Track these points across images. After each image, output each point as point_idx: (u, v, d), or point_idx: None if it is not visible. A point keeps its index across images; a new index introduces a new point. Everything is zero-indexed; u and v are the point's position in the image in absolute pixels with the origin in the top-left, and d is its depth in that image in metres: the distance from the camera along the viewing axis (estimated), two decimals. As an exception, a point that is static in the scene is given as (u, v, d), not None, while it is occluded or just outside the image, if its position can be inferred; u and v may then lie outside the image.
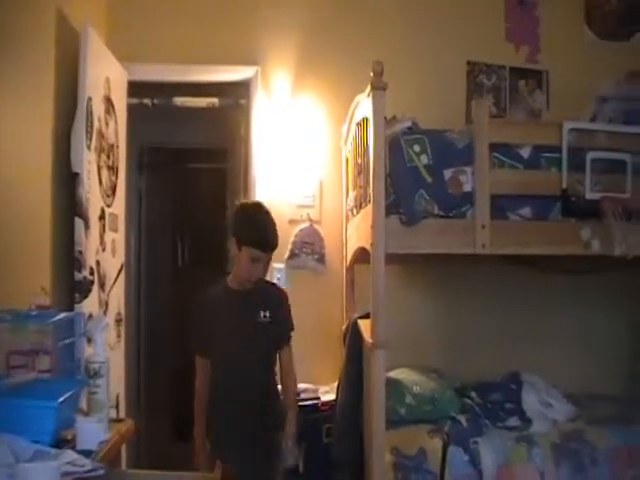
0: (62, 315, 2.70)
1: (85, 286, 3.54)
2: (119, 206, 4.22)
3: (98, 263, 3.74)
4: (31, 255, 3.21)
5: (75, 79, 3.54)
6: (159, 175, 6.48)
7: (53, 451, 2.05)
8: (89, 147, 3.61)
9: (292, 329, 3.39)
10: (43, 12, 3.37)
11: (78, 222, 3.49)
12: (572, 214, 3.27)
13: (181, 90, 5.21)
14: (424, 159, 3.20)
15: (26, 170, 3.14)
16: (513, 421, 3.77)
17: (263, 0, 4.70)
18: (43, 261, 3.36)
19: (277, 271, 4.38)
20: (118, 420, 2.89)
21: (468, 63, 4.75)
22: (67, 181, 3.51)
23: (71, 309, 3.34)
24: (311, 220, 4.60)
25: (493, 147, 3.25)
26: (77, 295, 3.48)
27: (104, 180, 3.89)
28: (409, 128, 3.48)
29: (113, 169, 4.08)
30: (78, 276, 3.49)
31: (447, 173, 3.22)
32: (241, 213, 3.38)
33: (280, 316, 3.32)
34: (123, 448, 2.99)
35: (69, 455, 2.05)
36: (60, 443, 2.18)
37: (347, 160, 4.35)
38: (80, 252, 3.49)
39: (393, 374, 3.87)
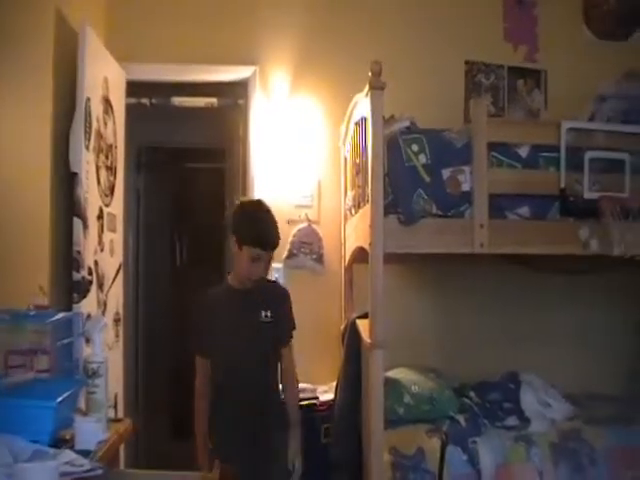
0: (60, 315, 2.70)
1: (83, 286, 3.54)
2: (117, 206, 4.22)
3: (96, 263, 3.74)
4: (29, 255, 3.21)
5: (73, 79, 3.54)
6: (157, 175, 6.48)
7: (52, 451, 2.05)
8: (87, 147, 3.60)
9: (294, 328, 3.34)
10: (42, 12, 3.37)
11: (76, 222, 3.49)
12: (570, 214, 3.28)
13: (179, 90, 5.21)
14: (422, 159, 3.20)
15: (25, 170, 3.14)
16: (511, 421, 3.77)
17: (261, 0, 4.69)
18: (41, 261, 3.36)
19: (275, 271, 4.38)
20: (116, 420, 2.89)
21: (466, 62, 4.76)
22: (65, 181, 3.51)
23: (69, 309, 3.34)
24: (309, 220, 4.60)
25: (491, 146, 3.25)
26: (75, 295, 3.48)
27: (102, 180, 3.89)
28: (407, 128, 3.48)
29: (111, 169, 4.08)
30: (76, 276, 3.48)
31: (445, 172, 3.22)
32: (241, 211, 3.34)
33: (282, 315, 3.28)
34: (121, 448, 2.98)
35: (68, 455, 2.05)
36: (59, 443, 2.18)
37: (345, 160, 4.35)
38: (78, 252, 3.48)
39: (391, 374, 3.87)
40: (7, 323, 2.44)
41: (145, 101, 5.42)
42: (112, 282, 4.06)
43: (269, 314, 3.22)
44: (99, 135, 3.82)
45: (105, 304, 3.93)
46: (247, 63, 4.63)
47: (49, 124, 3.42)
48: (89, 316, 3.44)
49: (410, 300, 4.51)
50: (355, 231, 3.79)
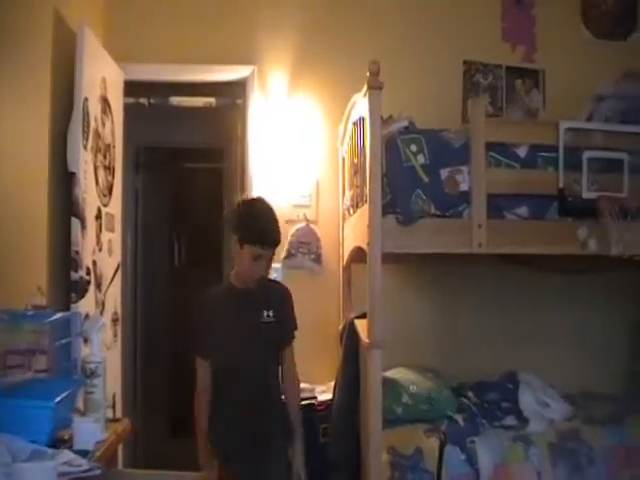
0: (58, 315, 2.70)
1: (81, 286, 3.54)
2: (115, 206, 4.22)
3: (94, 263, 3.74)
4: (28, 255, 3.21)
5: (71, 79, 3.54)
6: (155, 175, 6.47)
7: (50, 451, 2.05)
8: (85, 147, 3.60)
9: (295, 328, 3.30)
10: (40, 12, 3.37)
11: (74, 222, 3.49)
12: (569, 213, 3.28)
13: (177, 90, 5.22)
14: (421, 159, 3.20)
15: (23, 170, 3.14)
16: (510, 420, 3.77)
17: (259, 0, 4.69)
18: (39, 261, 3.36)
19: (274, 271, 4.36)
20: (115, 420, 2.89)
21: (464, 62, 4.75)
22: (63, 181, 3.51)
23: (67, 309, 3.34)
24: (308, 220, 4.60)
25: (489, 146, 3.25)
26: (73, 295, 3.48)
27: (100, 180, 3.89)
28: (405, 128, 3.48)
29: (109, 169, 4.08)
30: (74, 276, 3.48)
31: (444, 172, 3.21)
32: (242, 209, 3.27)
33: (283, 315, 3.23)
34: (120, 448, 2.98)
35: (66, 455, 2.06)
36: (57, 443, 2.18)
37: (343, 160, 4.35)
38: (76, 252, 3.48)
39: (390, 374, 3.87)
40: (5, 323, 2.44)
41: (143, 101, 5.43)
42: (110, 282, 4.06)
43: (271, 314, 3.17)
44: (97, 135, 3.82)
45: (103, 304, 3.93)
46: (245, 63, 4.63)
47: (47, 124, 3.42)
48: (87, 316, 3.44)
49: (408, 300, 4.52)
50: (353, 231, 3.79)
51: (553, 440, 3.63)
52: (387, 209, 3.13)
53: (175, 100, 5.50)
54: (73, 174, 3.50)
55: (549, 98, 4.82)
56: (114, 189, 4.17)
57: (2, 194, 2.89)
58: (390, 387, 3.63)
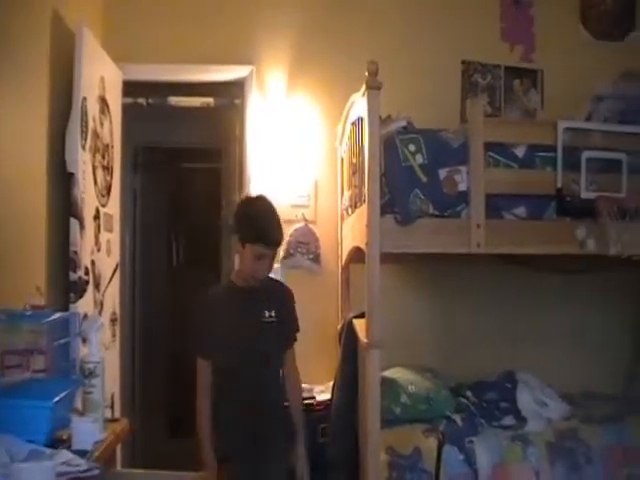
0: (57, 315, 2.70)
1: (80, 286, 3.54)
2: (114, 206, 4.22)
3: (93, 263, 3.74)
4: (26, 255, 3.21)
5: (70, 79, 3.54)
6: (154, 175, 6.47)
7: (48, 451, 2.05)
8: (84, 147, 3.60)
9: (297, 331, 3.27)
10: (39, 12, 3.37)
11: (73, 222, 3.49)
12: (567, 213, 3.28)
13: (176, 90, 5.22)
14: (419, 158, 3.20)
15: (21, 170, 3.14)
16: (508, 420, 3.78)
17: (258, 0, 4.70)
18: (38, 261, 3.36)
19: (272, 271, 4.38)
20: (113, 420, 2.89)
21: (463, 62, 4.75)
22: (62, 181, 3.51)
23: (66, 309, 3.34)
24: (306, 220, 4.60)
25: (488, 146, 3.25)
26: (72, 295, 3.48)
27: (99, 180, 3.89)
28: (404, 127, 3.48)
29: (108, 169, 4.08)
30: (73, 276, 3.48)
31: (442, 172, 3.22)
32: (243, 208, 3.25)
33: (285, 315, 3.20)
34: (118, 448, 2.99)
35: (64, 455, 2.06)
36: (55, 443, 2.18)
37: (342, 160, 4.35)
38: (75, 252, 3.48)
39: (388, 373, 3.87)
40: (3, 323, 2.44)
41: (142, 101, 5.43)
42: (109, 282, 4.06)
43: (273, 314, 3.14)
44: (95, 135, 3.82)
45: (102, 304, 3.93)
46: (243, 63, 4.63)
47: (45, 124, 3.42)
48: (86, 316, 3.44)
49: (407, 300, 4.52)
50: (352, 231, 3.79)
51: (551, 439, 3.63)
52: (385, 209, 3.13)
53: (173, 100, 5.50)
54: (71, 174, 3.50)
55: (547, 98, 4.83)
56: (112, 189, 4.17)
57: (1, 194, 2.89)
58: (388, 387, 3.63)
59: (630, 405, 3.94)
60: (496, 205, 3.25)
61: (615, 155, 3.28)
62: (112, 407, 3.95)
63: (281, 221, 3.18)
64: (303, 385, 3.88)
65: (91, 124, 3.72)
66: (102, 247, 3.93)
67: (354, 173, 3.65)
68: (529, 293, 4.56)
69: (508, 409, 3.84)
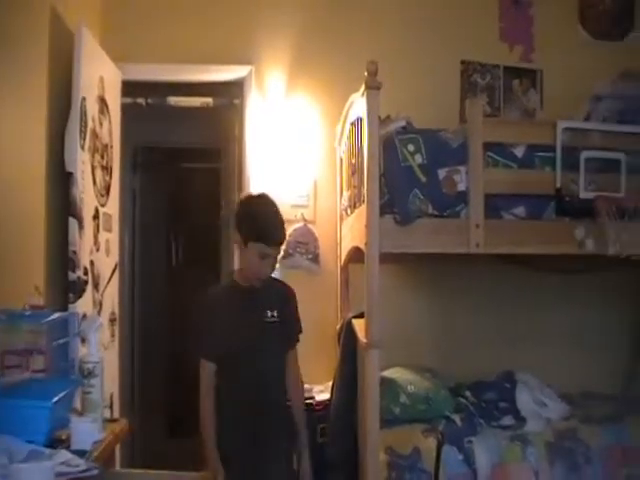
0: (56, 315, 2.70)
1: (79, 286, 3.54)
2: (113, 206, 4.22)
3: (92, 263, 3.74)
4: (25, 255, 3.21)
5: (69, 79, 3.54)
6: (153, 175, 6.48)
7: (47, 451, 2.05)
8: (83, 147, 3.60)
9: (300, 331, 3.25)
10: (38, 12, 3.37)
11: (72, 222, 3.49)
12: (566, 213, 3.28)
13: (175, 90, 5.22)
14: (418, 158, 3.20)
15: (20, 170, 3.14)
16: (507, 420, 3.77)
17: (257, 0, 4.70)
18: (37, 261, 3.36)
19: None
20: (112, 420, 2.89)
21: (462, 62, 4.75)
22: (61, 181, 3.51)
23: (65, 309, 3.34)
24: (305, 220, 4.59)
25: (487, 146, 3.25)
26: (71, 295, 3.48)
27: (98, 180, 3.89)
28: (403, 128, 3.48)
29: (107, 169, 4.08)
30: (72, 276, 3.48)
31: (441, 172, 3.21)
32: (245, 207, 3.20)
33: (288, 315, 3.18)
34: (117, 448, 2.98)
35: (63, 455, 2.06)
36: (54, 443, 2.18)
37: (341, 160, 4.35)
38: (74, 252, 3.48)
39: (387, 373, 3.87)
40: (3, 323, 2.44)
41: (141, 101, 5.43)
42: (108, 282, 4.06)
43: (275, 314, 3.12)
44: (95, 135, 3.82)
45: (101, 304, 3.93)
46: (243, 63, 4.63)
47: (44, 124, 3.42)
48: (85, 316, 3.44)
49: (406, 300, 4.52)
50: (351, 231, 3.79)
51: (550, 439, 3.63)
52: (385, 209, 3.13)
53: (173, 100, 5.51)
54: (70, 174, 3.50)
55: (546, 98, 4.83)
56: (112, 189, 4.17)
57: (0, 194, 2.89)
58: (388, 387, 3.63)
59: (629, 405, 3.94)
60: (495, 205, 3.25)
61: (614, 155, 3.28)
62: (111, 407, 3.95)
63: (284, 220, 3.17)
64: (302, 385, 3.88)
65: (90, 124, 3.72)
66: (101, 247, 3.93)
67: (353, 173, 3.65)
68: (528, 293, 4.56)
69: (507, 409, 3.84)
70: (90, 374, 2.52)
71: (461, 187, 3.22)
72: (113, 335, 4.23)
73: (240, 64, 4.63)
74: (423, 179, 3.19)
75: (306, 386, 4.00)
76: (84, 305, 3.58)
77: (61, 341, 2.68)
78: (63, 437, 2.26)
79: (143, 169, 6.20)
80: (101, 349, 2.97)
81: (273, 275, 3.24)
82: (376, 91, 3.08)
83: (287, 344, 3.22)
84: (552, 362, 4.34)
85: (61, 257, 3.49)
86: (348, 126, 3.86)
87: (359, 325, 3.41)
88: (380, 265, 3.07)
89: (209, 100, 5.41)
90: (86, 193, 3.64)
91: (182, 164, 6.90)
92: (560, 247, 3.31)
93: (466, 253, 3.25)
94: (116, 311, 4.29)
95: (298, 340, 3.26)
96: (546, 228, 3.29)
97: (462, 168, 3.22)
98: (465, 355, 4.41)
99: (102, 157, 3.97)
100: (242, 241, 3.07)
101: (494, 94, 4.81)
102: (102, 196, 3.97)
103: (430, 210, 3.21)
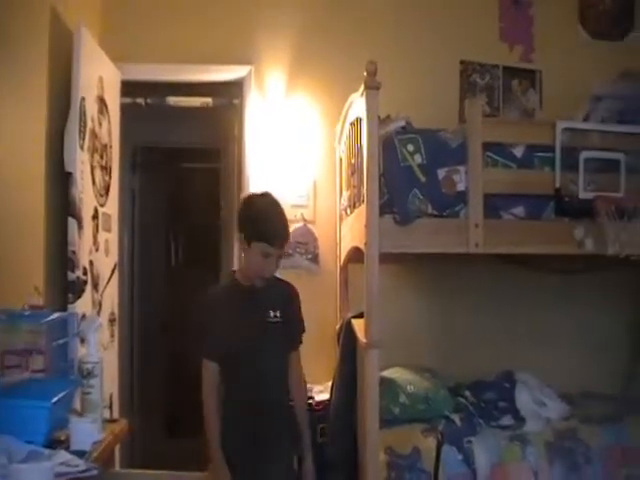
0: (55, 315, 2.70)
1: (78, 286, 3.53)
2: (112, 206, 4.22)
3: (91, 263, 3.74)
4: (24, 255, 3.21)
5: (68, 79, 3.54)
6: (152, 175, 6.48)
7: (47, 451, 2.05)
8: (82, 147, 3.60)
9: (303, 331, 3.24)
10: (37, 12, 3.37)
11: (71, 222, 3.49)
12: (565, 213, 3.28)
13: (174, 90, 5.21)
14: (418, 158, 3.20)
15: (20, 170, 3.13)
16: (507, 420, 3.77)
17: (257, 0, 4.70)
18: (36, 261, 3.36)
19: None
20: (112, 420, 2.89)
21: (461, 62, 4.75)
22: (60, 181, 3.51)
23: (64, 309, 3.34)
24: (305, 220, 4.59)
25: (486, 146, 3.25)
26: (70, 295, 3.48)
27: (97, 180, 3.88)
28: (403, 128, 3.48)
29: (106, 169, 4.08)
30: (71, 276, 3.48)
31: (441, 172, 3.22)
32: (248, 206, 3.17)
33: (291, 315, 3.16)
34: (117, 448, 2.98)
35: (63, 455, 2.06)
36: (54, 443, 2.18)
37: (341, 160, 4.35)
38: (73, 252, 3.48)
39: (387, 373, 3.87)
40: (2, 323, 2.44)
41: (140, 101, 5.42)
42: (107, 282, 4.06)
43: (278, 314, 3.09)
44: (94, 135, 3.82)
45: (100, 304, 3.93)
46: (242, 63, 4.63)
47: (44, 124, 3.42)
48: (84, 316, 3.44)
49: (405, 300, 4.51)
50: (351, 231, 3.79)
51: (550, 439, 3.62)
52: (384, 209, 3.14)
53: (172, 100, 5.50)
54: (70, 174, 3.50)
55: (546, 98, 4.83)
56: (111, 189, 4.17)
57: (-1, 194, 2.89)
58: (387, 387, 3.63)
59: (629, 405, 3.93)
60: (494, 205, 3.25)
61: (613, 155, 3.28)
62: (111, 407, 3.95)
63: (287, 219, 3.13)
64: (302, 385, 3.87)
65: (89, 124, 3.72)
66: (100, 247, 3.92)
67: (353, 173, 3.65)
68: (527, 293, 4.56)
69: (507, 409, 3.84)
70: (89, 374, 2.52)
71: (460, 187, 3.22)
72: (112, 335, 4.23)
73: (240, 64, 4.63)
74: (422, 179, 3.19)
75: (306, 386, 4.00)
76: (83, 305, 3.58)
77: (60, 341, 2.67)
78: (62, 437, 2.26)
79: (142, 169, 6.19)
80: (100, 349, 2.97)
81: (278, 275, 3.21)
82: (375, 91, 3.08)
83: (290, 345, 3.21)
84: (552, 362, 4.34)
85: (60, 257, 3.48)
86: (348, 126, 3.86)
87: (359, 325, 3.41)
88: (380, 265, 3.07)
89: (209, 100, 5.40)
90: (85, 193, 3.64)
91: (182, 164, 6.90)
92: (559, 247, 3.32)
93: (465, 253, 3.25)
94: (115, 311, 4.29)
95: (301, 341, 3.25)
96: (545, 228, 3.30)
97: (461, 168, 3.23)
98: (464, 355, 4.41)
99: (101, 157, 3.97)
100: (245, 240, 3.05)
101: (493, 94, 4.81)
102: (101, 196, 3.97)
103: (429, 210, 3.21)
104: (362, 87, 3.14)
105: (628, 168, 3.28)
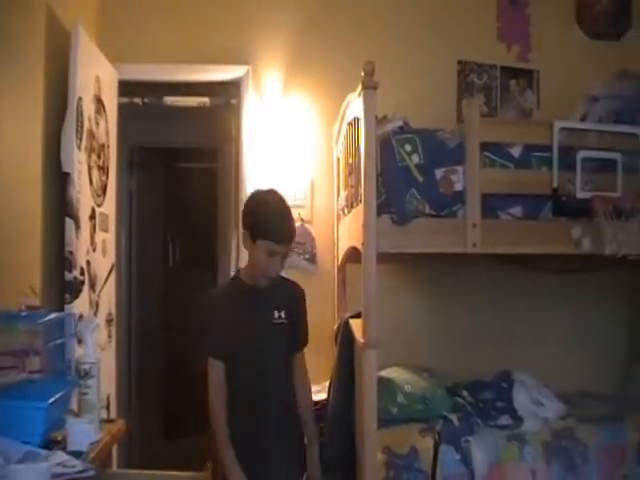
0: (52, 315, 2.70)
1: (75, 286, 3.53)
2: (110, 206, 4.21)
3: (88, 263, 3.73)
4: (21, 255, 3.20)
5: (65, 79, 3.53)
6: (150, 175, 6.47)
7: (44, 452, 2.05)
8: (79, 147, 3.60)
9: (308, 334, 3.19)
10: (34, 12, 3.36)
11: (68, 222, 3.48)
12: (563, 213, 3.28)
13: (172, 89, 5.21)
14: (415, 158, 3.20)
15: (17, 170, 3.13)
16: (504, 420, 3.77)
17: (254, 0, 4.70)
18: (33, 261, 3.35)
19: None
20: (109, 421, 2.89)
21: (459, 62, 4.75)
22: (57, 181, 3.50)
23: (61, 309, 3.33)
24: (302, 220, 4.59)
25: (484, 146, 3.25)
26: (67, 295, 3.47)
27: (94, 180, 3.88)
28: (400, 127, 3.49)
29: (104, 169, 4.07)
30: (68, 276, 3.48)
31: (438, 172, 3.22)
32: (253, 203, 3.08)
33: (296, 316, 3.10)
34: (114, 448, 2.97)
35: (59, 456, 2.06)
36: (50, 444, 2.18)
37: (338, 160, 4.35)
38: (70, 252, 3.48)
39: (385, 373, 3.87)
40: (-1, 323, 2.44)
41: (137, 101, 5.42)
42: (104, 282, 4.06)
43: (283, 314, 3.03)
44: (91, 135, 3.81)
45: (97, 304, 3.92)
46: (240, 63, 4.63)
47: (41, 124, 3.41)
48: (81, 316, 3.44)
49: (403, 300, 4.51)
50: (348, 231, 3.79)
51: (547, 439, 3.63)
52: (382, 209, 3.13)
53: (169, 100, 5.49)
54: (67, 174, 3.50)
55: (543, 98, 4.83)
56: (108, 189, 4.16)
57: (-4, 194, 2.89)
58: (385, 387, 3.63)
59: (626, 405, 3.94)
60: (492, 205, 3.25)
61: (610, 155, 3.29)
62: (108, 408, 3.95)
63: (293, 216, 3.07)
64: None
65: (87, 124, 3.72)
66: (98, 247, 3.92)
67: (350, 173, 3.65)
68: (525, 293, 4.56)
69: (504, 409, 3.84)
70: (87, 375, 2.52)
71: (458, 187, 3.22)
72: (110, 336, 4.22)
73: (237, 64, 4.63)
74: (420, 179, 3.19)
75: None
76: (80, 306, 3.57)
77: (57, 342, 2.67)
78: (59, 438, 2.26)
79: (140, 169, 6.19)
80: (98, 350, 2.97)
81: (283, 274, 3.15)
82: (373, 91, 3.08)
83: (294, 346, 3.15)
84: (549, 362, 4.34)
85: (57, 257, 3.48)
86: (345, 126, 3.86)
87: (356, 325, 3.41)
88: (377, 265, 3.07)
89: (206, 100, 5.40)
90: (82, 193, 3.63)
91: (179, 164, 6.90)
92: (557, 247, 3.32)
93: (463, 253, 3.25)
94: (113, 311, 4.28)
95: (306, 344, 3.19)
96: (543, 228, 3.30)
97: (459, 168, 3.23)
98: (462, 355, 4.41)
99: (99, 157, 3.96)
100: (250, 238, 2.97)
101: (491, 94, 4.81)
102: (99, 196, 3.97)
103: (427, 210, 3.21)
104: (359, 87, 3.13)
105: (625, 168, 3.28)
